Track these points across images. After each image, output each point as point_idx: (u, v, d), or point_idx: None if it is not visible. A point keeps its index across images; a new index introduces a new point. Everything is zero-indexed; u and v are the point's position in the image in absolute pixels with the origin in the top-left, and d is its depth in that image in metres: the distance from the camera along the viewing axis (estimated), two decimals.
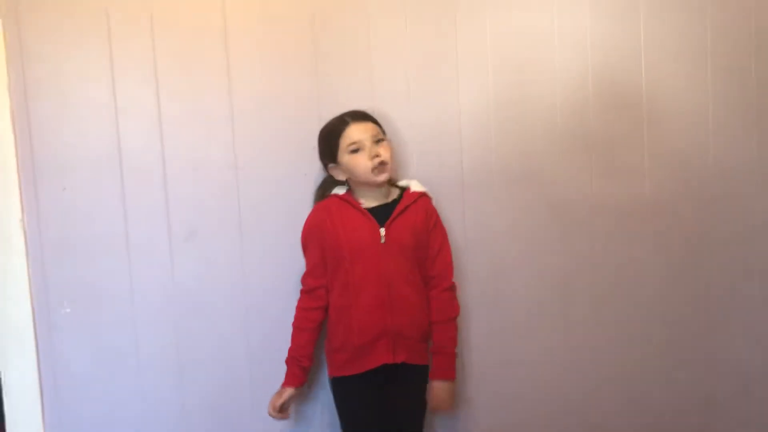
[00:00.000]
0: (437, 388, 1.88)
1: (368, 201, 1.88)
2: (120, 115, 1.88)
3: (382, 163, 1.82)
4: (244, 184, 1.95)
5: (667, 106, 2.11)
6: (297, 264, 1.91)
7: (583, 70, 2.06)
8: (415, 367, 1.87)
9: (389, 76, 2.00)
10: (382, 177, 1.83)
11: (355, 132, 1.83)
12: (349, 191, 1.91)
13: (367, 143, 1.82)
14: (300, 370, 1.87)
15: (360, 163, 1.82)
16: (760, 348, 2.18)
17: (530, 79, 2.05)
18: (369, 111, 1.89)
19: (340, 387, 1.88)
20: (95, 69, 1.87)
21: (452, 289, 1.92)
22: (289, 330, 1.88)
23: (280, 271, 1.95)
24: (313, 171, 1.96)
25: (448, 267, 1.92)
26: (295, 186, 1.96)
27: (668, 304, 2.14)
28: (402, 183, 1.95)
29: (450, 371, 1.89)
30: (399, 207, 1.86)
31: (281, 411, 1.87)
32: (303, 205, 1.93)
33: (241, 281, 1.96)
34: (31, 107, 1.85)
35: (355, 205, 1.86)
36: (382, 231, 1.83)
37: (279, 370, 1.88)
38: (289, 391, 1.86)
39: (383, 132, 1.88)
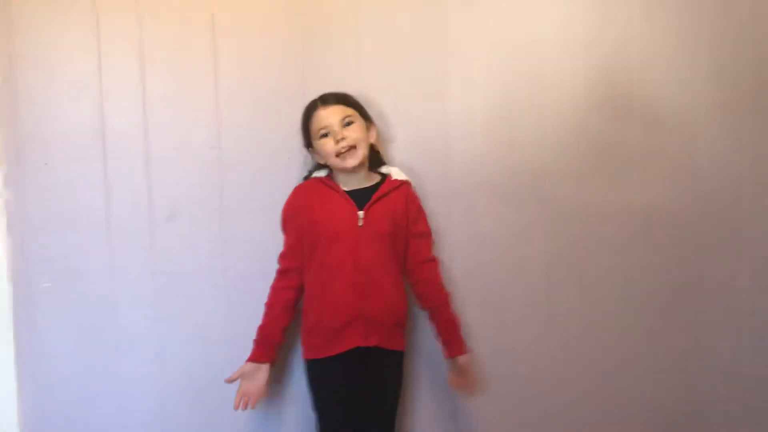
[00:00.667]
0: (455, 368, 1.93)
1: (348, 184, 1.89)
2: (105, 92, 1.90)
3: (351, 147, 1.83)
4: (227, 165, 1.96)
5: (660, 112, 2.11)
6: (277, 246, 1.91)
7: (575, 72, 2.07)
8: (388, 352, 1.88)
9: (376, 61, 2.01)
10: (350, 162, 1.84)
11: (323, 116, 1.84)
12: (330, 174, 1.92)
13: (335, 127, 1.83)
14: (264, 347, 1.86)
15: (326, 148, 1.84)
16: (749, 336, 2.20)
17: (522, 63, 2.06)
18: (355, 95, 1.90)
19: (313, 369, 1.88)
20: (82, 45, 1.89)
21: (433, 260, 1.95)
22: None
23: (261, 253, 1.95)
24: (296, 154, 1.97)
25: (432, 252, 1.96)
26: (278, 169, 1.98)
27: (657, 295, 2.16)
28: (383, 170, 1.96)
29: (460, 347, 1.92)
30: (379, 192, 1.87)
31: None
32: (285, 188, 1.93)
33: (221, 262, 1.98)
34: (17, 81, 1.87)
35: (334, 187, 1.87)
36: (361, 214, 1.84)
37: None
38: (249, 366, 1.85)
39: (362, 114, 1.89)
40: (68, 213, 1.91)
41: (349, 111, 1.86)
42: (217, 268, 1.98)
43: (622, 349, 2.16)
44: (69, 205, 1.91)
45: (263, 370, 1.85)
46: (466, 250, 2.07)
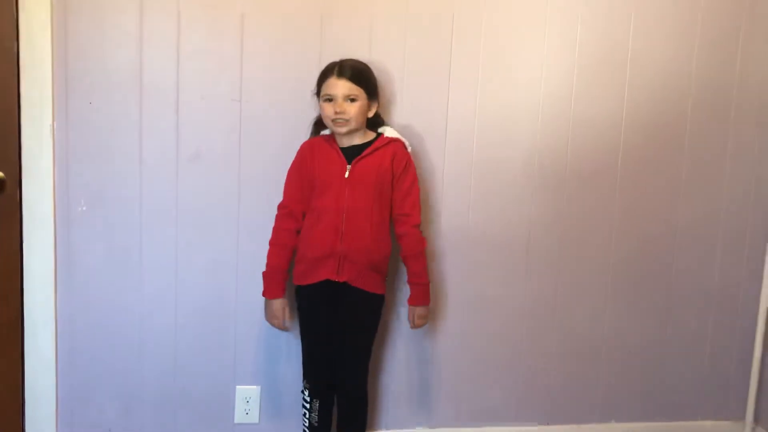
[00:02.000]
0: (416, 313, 2.16)
1: (344, 142, 2.10)
2: (144, 44, 2.11)
3: (344, 120, 2.02)
4: (246, 116, 2.19)
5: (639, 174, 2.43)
6: None
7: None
8: (364, 294, 2.09)
9: (386, 28, 2.22)
10: (339, 129, 2.05)
11: (332, 86, 2.03)
12: (333, 133, 2.11)
13: (339, 99, 2.02)
14: (282, 282, 2.11)
15: (325, 111, 2.05)
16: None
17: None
18: (366, 60, 2.10)
19: (298, 294, 2.15)
20: (126, 1, 2.09)
21: (418, 226, 2.14)
22: None
23: (271, 199, 2.17)
24: (307, 111, 2.19)
25: (416, 206, 2.14)
26: (291, 122, 2.20)
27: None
28: (380, 129, 2.16)
29: (425, 298, 2.17)
30: (368, 149, 2.08)
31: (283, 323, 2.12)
32: (295, 139, 2.17)
33: (236, 201, 2.22)
34: (69, 30, 2.07)
35: (333, 145, 2.10)
36: (348, 167, 2.06)
37: (261, 283, 2.14)
38: (279, 302, 2.11)
39: (368, 92, 2.06)
40: (106, 147, 2.13)
41: (356, 90, 2.03)
42: (232, 206, 2.22)
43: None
44: (107, 141, 2.13)
45: (277, 304, 2.11)
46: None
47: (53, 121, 2.09)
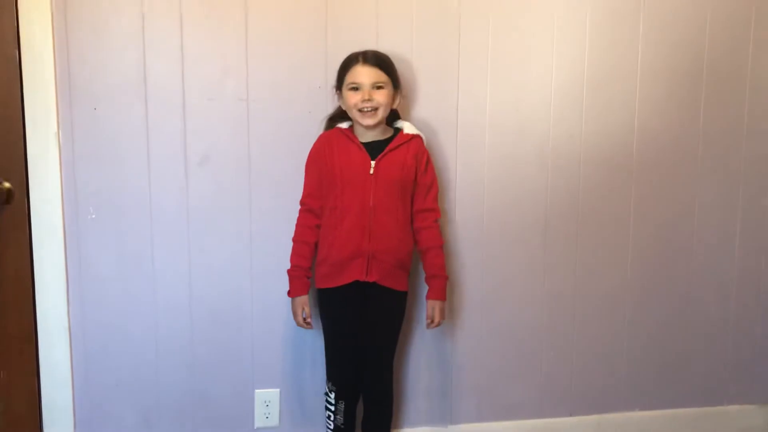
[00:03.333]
0: (433, 307, 2.11)
1: (365, 137, 2.05)
2: (147, 47, 2.08)
3: (372, 109, 1.98)
4: (254, 116, 2.15)
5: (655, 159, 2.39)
6: (298, 192, 2.12)
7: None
8: (391, 292, 2.06)
9: (393, 22, 2.19)
10: (368, 121, 1.99)
11: (359, 73, 1.98)
12: (351, 126, 2.09)
13: (366, 87, 1.97)
14: (307, 279, 2.07)
15: (351, 101, 1.99)
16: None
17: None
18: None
19: (322, 298, 2.10)
20: (128, 3, 2.05)
21: (438, 221, 2.13)
22: (288, 249, 2.10)
23: (283, 196, 2.16)
24: (317, 109, 2.16)
25: (436, 203, 2.12)
26: (300, 122, 2.17)
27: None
28: (397, 124, 2.12)
29: (442, 293, 2.12)
30: (391, 144, 2.04)
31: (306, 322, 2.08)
32: (305, 138, 2.13)
33: (247, 203, 2.19)
34: (70, 35, 2.03)
35: (353, 139, 2.04)
36: (372, 163, 2.01)
37: (276, 284, 2.14)
38: (302, 299, 2.06)
39: (393, 80, 2.03)
40: (113, 154, 2.10)
41: (383, 77, 2.00)
42: (243, 208, 2.19)
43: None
44: (114, 147, 2.10)
45: (299, 302, 2.07)
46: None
47: (58, 128, 2.06)
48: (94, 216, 2.12)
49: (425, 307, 2.16)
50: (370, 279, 2.03)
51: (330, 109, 2.15)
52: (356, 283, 2.03)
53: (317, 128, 2.15)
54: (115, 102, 2.09)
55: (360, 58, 2.00)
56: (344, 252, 2.02)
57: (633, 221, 2.40)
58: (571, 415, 2.47)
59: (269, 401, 2.28)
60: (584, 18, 2.28)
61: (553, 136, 2.32)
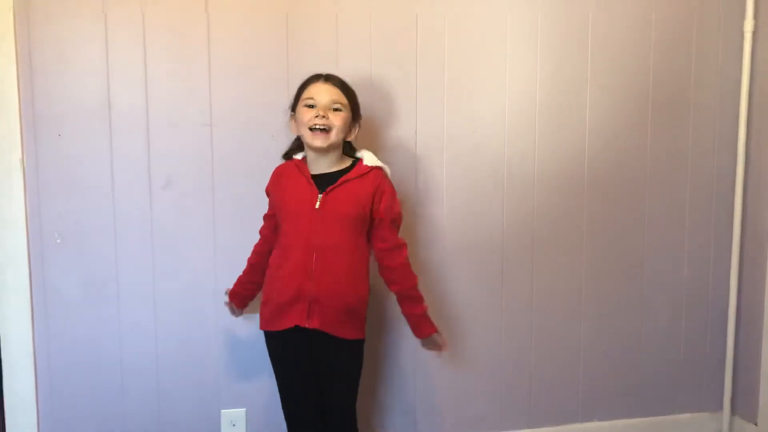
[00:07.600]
0: (428, 343, 2.05)
1: (318, 167, 1.92)
2: (111, 72, 2.11)
3: (325, 129, 1.84)
4: (217, 140, 2.20)
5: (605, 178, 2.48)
6: (260, 214, 2.14)
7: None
8: (339, 341, 1.88)
9: (353, 47, 2.24)
10: (318, 142, 1.85)
11: (317, 90, 1.87)
12: (305, 157, 1.98)
13: (322, 104, 1.84)
14: (239, 288, 2.11)
15: (304, 117, 1.86)
16: None
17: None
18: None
19: (267, 339, 2.00)
20: (90, 32, 2.09)
21: (400, 246, 1.95)
22: None
23: (246, 220, 2.19)
24: (279, 133, 2.19)
25: (394, 230, 1.95)
26: (263, 144, 2.21)
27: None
28: (358, 154, 2.01)
29: (428, 328, 2.00)
30: (346, 176, 1.89)
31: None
32: (269, 162, 2.15)
33: (211, 226, 2.22)
34: (34, 62, 2.06)
35: (303, 171, 1.92)
36: (320, 197, 1.86)
37: None
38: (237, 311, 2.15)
39: (353, 107, 1.93)
40: (77, 179, 2.12)
41: (344, 100, 1.88)
42: (207, 232, 2.22)
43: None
44: (78, 172, 2.12)
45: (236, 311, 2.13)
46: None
47: (23, 154, 2.08)
48: (59, 241, 2.13)
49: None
50: (311, 326, 1.86)
51: (289, 121, 2.08)
52: (298, 328, 1.88)
53: (280, 151, 2.17)
54: (80, 127, 2.11)
55: (322, 77, 1.90)
56: (285, 295, 1.88)
57: (586, 237, 2.49)
58: (531, 427, 2.53)
59: (235, 421, 2.30)
60: (535, 43, 2.38)
61: (508, 155, 2.40)
